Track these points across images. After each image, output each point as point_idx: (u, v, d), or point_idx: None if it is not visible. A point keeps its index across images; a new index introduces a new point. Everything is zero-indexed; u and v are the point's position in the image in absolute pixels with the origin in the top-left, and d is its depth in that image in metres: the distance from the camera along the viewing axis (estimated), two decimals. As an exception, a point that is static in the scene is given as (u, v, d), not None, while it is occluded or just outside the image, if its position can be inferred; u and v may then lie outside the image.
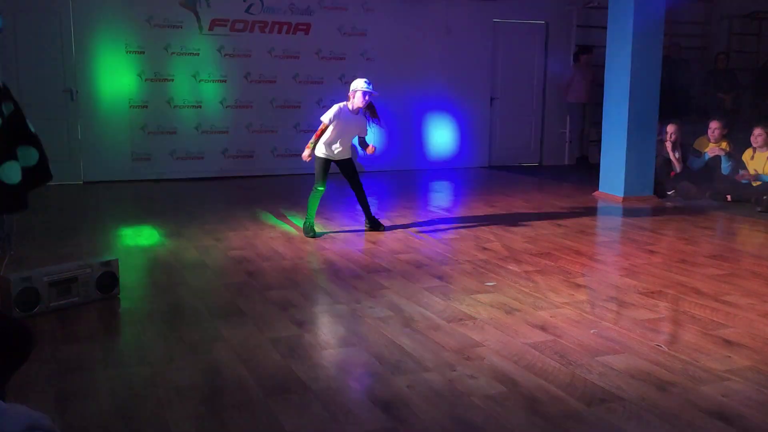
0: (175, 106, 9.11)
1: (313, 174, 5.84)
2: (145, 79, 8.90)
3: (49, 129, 7.89)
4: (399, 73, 10.13)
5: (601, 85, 8.10)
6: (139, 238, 5.85)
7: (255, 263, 4.95)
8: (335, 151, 5.75)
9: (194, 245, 5.53)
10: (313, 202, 5.83)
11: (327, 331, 3.59)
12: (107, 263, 4.09)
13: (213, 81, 9.23)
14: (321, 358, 3.23)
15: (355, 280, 4.54)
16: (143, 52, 8.84)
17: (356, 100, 5.62)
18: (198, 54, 9.09)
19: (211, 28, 9.12)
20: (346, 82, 9.85)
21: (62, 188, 8.09)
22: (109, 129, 8.85)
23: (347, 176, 5.87)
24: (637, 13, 7.43)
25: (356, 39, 9.86)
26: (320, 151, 5.76)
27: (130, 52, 8.79)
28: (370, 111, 5.72)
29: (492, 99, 10.78)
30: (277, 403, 2.77)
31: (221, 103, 9.33)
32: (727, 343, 3.43)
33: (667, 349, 3.34)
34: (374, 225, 6.02)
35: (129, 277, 4.49)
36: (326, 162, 5.80)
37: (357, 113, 5.68)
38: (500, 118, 10.92)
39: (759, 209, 6.98)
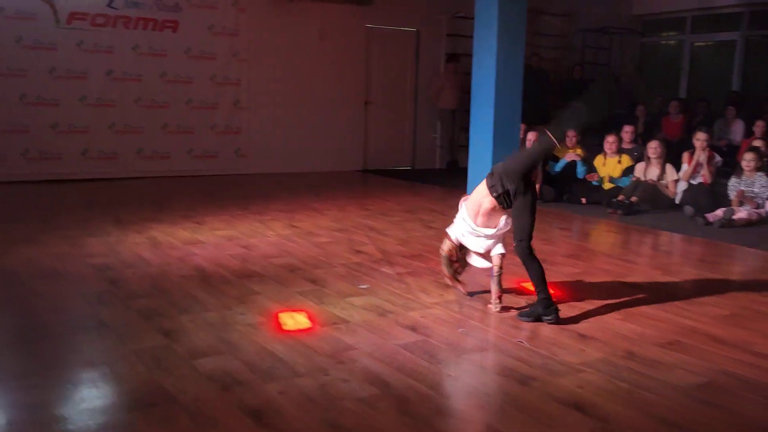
0: (27, 103, 8.49)
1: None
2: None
3: None
4: (273, 75, 10.01)
5: (470, 92, 8.42)
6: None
7: (118, 270, 4.70)
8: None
9: (48, 252, 5.16)
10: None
11: (196, 340, 3.47)
12: (-53, 274, 3.73)
13: (72, 77, 8.69)
14: (189, 369, 3.12)
15: (226, 286, 4.42)
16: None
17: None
18: (55, 48, 8.53)
19: (69, 22, 8.57)
20: (218, 82, 9.68)
21: None
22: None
23: None
24: (500, 24, 7.78)
25: (228, 39, 9.65)
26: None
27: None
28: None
29: (366, 103, 10.91)
30: (141, 418, 2.64)
31: (80, 100, 8.80)
32: (582, 336, 3.66)
33: (528, 345, 3.52)
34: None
35: (-27, 289, 4.12)
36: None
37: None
38: (374, 122, 11.07)
39: (609, 211, 7.53)
